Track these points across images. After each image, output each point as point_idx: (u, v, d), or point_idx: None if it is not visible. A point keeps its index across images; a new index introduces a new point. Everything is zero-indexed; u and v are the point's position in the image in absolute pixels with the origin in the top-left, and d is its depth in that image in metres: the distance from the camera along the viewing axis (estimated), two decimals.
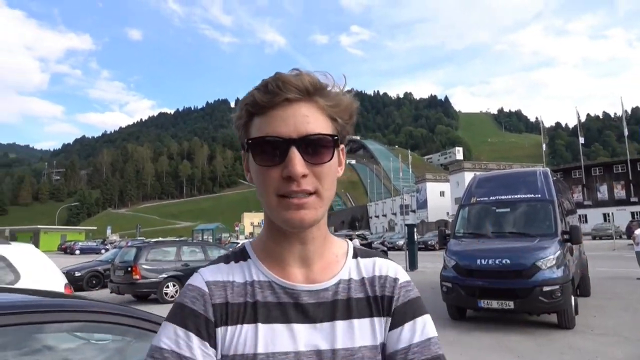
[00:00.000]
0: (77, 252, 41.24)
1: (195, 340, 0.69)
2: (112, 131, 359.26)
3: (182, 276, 11.36)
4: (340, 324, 0.73)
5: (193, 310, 0.71)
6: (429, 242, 33.15)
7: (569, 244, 7.54)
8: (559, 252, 6.97)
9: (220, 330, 0.71)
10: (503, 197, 8.53)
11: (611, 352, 5.55)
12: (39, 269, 3.82)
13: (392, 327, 0.76)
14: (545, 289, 6.57)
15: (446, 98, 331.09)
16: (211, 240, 38.29)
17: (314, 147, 0.70)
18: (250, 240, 0.83)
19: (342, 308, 0.75)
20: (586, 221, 47.86)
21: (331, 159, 0.72)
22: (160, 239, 35.48)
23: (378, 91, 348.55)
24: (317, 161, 0.70)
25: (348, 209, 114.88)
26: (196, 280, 0.75)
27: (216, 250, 13.21)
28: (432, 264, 17.71)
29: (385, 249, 22.54)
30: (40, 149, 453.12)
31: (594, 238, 38.49)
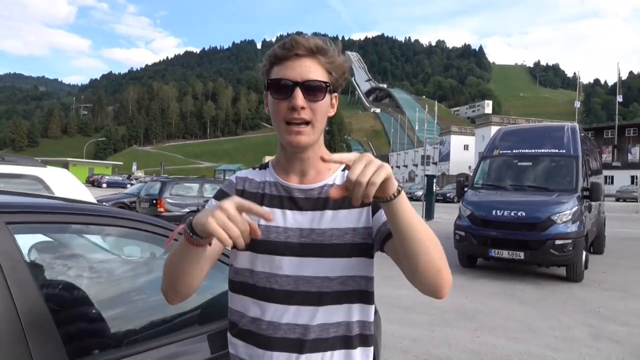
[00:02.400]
0: (104, 185, 42.90)
1: None
2: (139, 68, 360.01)
3: None
4: (318, 213, 1.02)
5: (225, 192, 1.11)
6: (448, 195, 33.19)
7: (587, 201, 7.52)
8: (576, 207, 6.98)
9: None
10: (526, 150, 8.44)
11: (614, 304, 5.69)
12: (72, 192, 4.07)
13: (374, 212, 1.02)
14: (558, 242, 6.65)
15: (480, 48, 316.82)
16: None
17: (312, 89, 0.98)
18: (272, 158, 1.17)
19: (322, 203, 1.03)
20: (612, 182, 46.79)
21: (323, 99, 1.00)
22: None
23: (409, 38, 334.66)
24: (313, 99, 0.98)
25: None
26: (232, 177, 1.17)
27: None
28: (449, 215, 17.83)
29: None
30: (68, 83, 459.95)
31: (617, 200, 37.81)
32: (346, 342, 1.01)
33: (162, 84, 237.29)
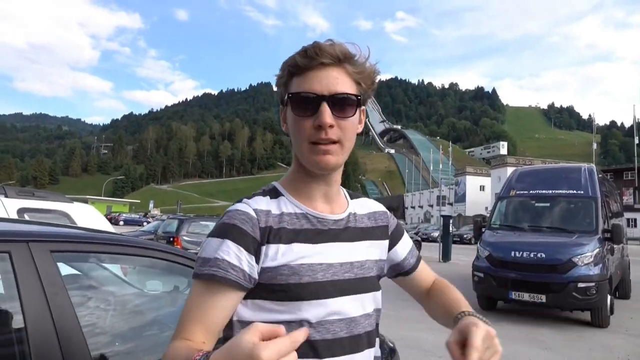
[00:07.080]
0: (122, 222, 43.45)
1: (245, 254, 0.83)
2: (158, 109, 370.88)
3: None
4: (357, 244, 0.95)
5: (243, 230, 0.84)
6: (465, 236, 32.60)
7: (609, 243, 7.36)
8: (597, 249, 6.83)
9: (264, 248, 0.85)
10: (543, 191, 8.37)
11: None
12: (97, 226, 4.18)
13: (391, 247, 1.06)
14: (580, 285, 6.48)
15: (493, 90, 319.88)
16: None
17: (341, 104, 0.85)
18: (277, 181, 0.97)
19: (358, 233, 0.97)
20: (636, 225, 45.63)
21: (354, 115, 0.87)
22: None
23: (422, 80, 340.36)
24: (342, 115, 0.85)
25: (384, 197, 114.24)
26: (244, 207, 0.88)
27: None
28: (466, 257, 17.50)
29: (419, 239, 22.33)
30: (91, 123, 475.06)
31: None
32: None
33: (181, 124, 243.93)
